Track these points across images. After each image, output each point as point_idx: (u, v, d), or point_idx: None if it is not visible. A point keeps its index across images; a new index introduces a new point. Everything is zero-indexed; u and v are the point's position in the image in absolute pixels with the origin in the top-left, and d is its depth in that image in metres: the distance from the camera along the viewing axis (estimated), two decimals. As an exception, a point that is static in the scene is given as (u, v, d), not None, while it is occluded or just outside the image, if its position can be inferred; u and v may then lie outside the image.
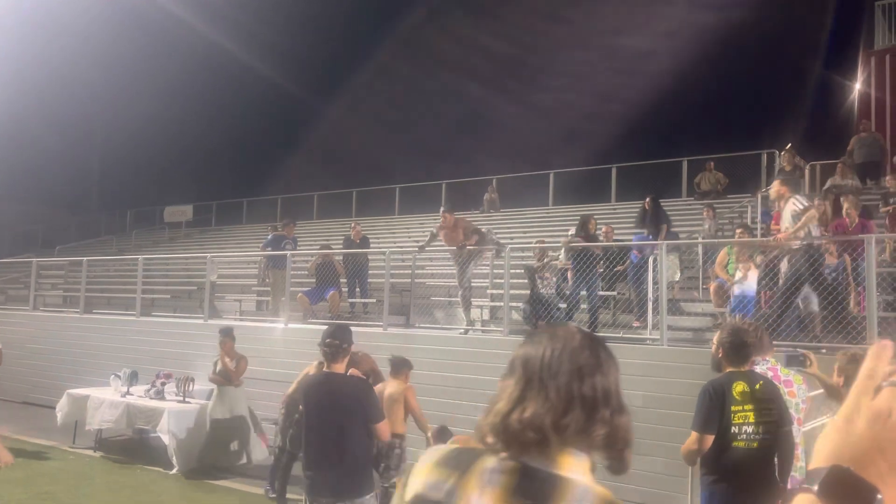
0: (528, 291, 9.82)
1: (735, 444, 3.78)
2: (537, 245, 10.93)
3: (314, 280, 12.12)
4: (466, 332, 9.99)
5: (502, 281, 9.82)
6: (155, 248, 23.66)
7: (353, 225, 13.96)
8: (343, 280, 12.27)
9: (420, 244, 11.12)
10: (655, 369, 7.64)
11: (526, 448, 1.24)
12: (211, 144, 34.68)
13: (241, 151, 37.68)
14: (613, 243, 10.90)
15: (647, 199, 11.26)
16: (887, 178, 13.44)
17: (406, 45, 37.02)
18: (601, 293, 9.97)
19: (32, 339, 14.22)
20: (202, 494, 7.94)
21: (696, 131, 28.11)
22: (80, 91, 29.60)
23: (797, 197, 7.51)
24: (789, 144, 15.02)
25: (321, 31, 35.94)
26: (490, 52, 37.98)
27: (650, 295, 8.87)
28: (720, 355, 3.93)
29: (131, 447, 10.05)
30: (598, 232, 10.97)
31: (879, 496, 0.75)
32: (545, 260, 10.32)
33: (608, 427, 1.27)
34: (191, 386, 9.55)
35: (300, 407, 7.33)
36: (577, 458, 1.26)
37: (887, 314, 7.54)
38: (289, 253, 12.03)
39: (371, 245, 13.74)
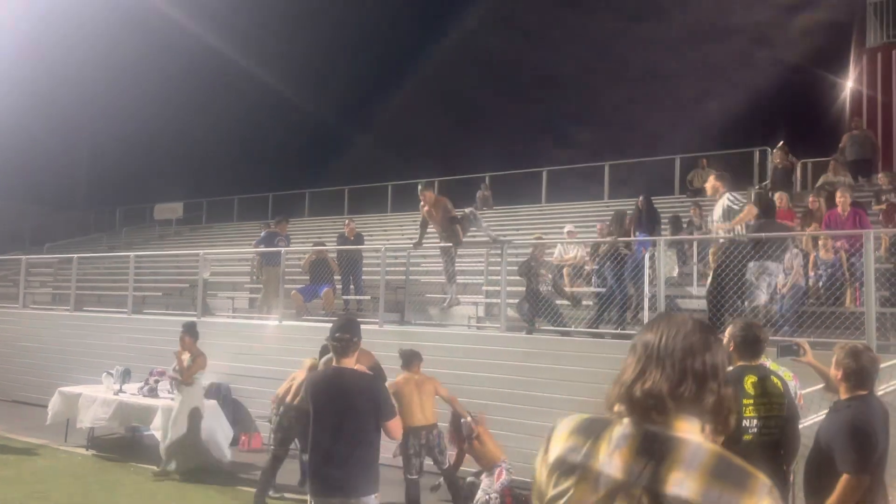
0: (524, 289, 9.79)
1: (745, 437, 3.75)
2: (535, 241, 10.91)
3: (308, 277, 12.07)
4: (451, 303, 10.52)
5: (498, 278, 9.78)
6: (145, 245, 23.44)
7: (346, 222, 13.91)
8: (337, 277, 12.22)
9: (414, 241, 11.09)
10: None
11: (647, 414, 1.47)
12: (201, 142, 34.43)
13: (231, 149, 37.45)
14: (631, 239, 10.90)
15: (640, 199, 11.25)
16: (879, 175, 13.50)
17: (398, 44, 36.97)
18: (597, 290, 9.94)
19: (22, 336, 14.07)
20: (195, 492, 7.85)
21: (689, 129, 28.18)
22: (68, 88, 29.27)
23: (733, 194, 7.65)
24: (781, 142, 15.09)
25: (311, 27, 35.79)
26: (490, 51, 38.02)
27: (646, 291, 8.86)
28: (731, 349, 3.91)
29: (124, 445, 9.96)
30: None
31: None
32: (559, 257, 10.53)
33: (716, 396, 1.49)
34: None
35: (296, 406, 7.29)
36: (690, 422, 1.47)
37: (884, 310, 7.53)
38: (283, 250, 11.95)
39: (365, 242, 13.68)
